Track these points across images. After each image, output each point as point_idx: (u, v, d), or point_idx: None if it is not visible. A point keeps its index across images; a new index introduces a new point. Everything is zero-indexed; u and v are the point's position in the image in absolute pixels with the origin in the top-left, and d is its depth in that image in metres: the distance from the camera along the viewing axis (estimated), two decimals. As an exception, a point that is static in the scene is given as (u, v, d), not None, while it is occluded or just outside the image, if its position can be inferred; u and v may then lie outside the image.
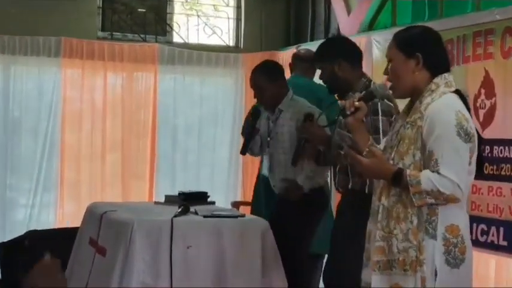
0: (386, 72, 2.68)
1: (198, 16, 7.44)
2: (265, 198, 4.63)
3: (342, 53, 3.62)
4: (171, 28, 7.30)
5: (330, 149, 3.63)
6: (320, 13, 7.07)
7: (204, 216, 4.02)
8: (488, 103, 4.47)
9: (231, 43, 7.53)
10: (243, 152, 4.33)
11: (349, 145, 2.71)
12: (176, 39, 7.31)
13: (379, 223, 2.61)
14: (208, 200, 4.69)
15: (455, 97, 2.59)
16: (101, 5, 7.05)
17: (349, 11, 6.33)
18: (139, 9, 7.20)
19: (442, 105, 2.54)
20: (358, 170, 2.63)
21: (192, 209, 4.11)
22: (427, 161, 2.51)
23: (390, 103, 3.38)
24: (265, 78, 4.18)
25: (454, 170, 2.46)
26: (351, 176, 3.44)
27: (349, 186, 3.46)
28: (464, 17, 4.82)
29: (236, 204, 5.91)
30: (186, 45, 7.23)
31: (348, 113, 2.70)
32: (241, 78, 7.27)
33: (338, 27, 6.58)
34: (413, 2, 5.66)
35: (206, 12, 7.57)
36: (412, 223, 2.52)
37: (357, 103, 2.71)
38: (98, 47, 6.77)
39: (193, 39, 7.38)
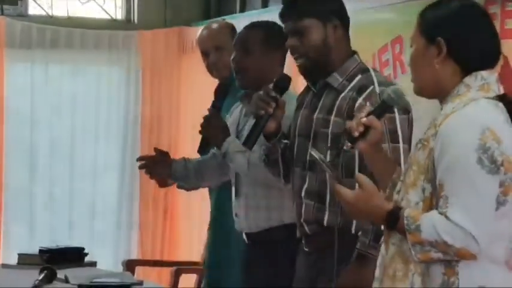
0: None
1: (67, -27, 7.42)
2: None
3: (340, 10, 3.52)
4: (25, -7, 7.27)
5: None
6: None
7: (79, 286, 4.06)
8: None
9: (120, 15, 7.55)
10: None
11: (332, 176, 2.82)
12: (33, 10, 7.29)
13: (376, 281, 2.70)
14: (86, 259, 4.72)
15: (488, 106, 2.62)
16: None
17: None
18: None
19: (462, 118, 2.58)
20: (344, 208, 2.74)
21: (60, 274, 4.14)
22: (438, 197, 2.57)
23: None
24: (262, 40, 4.08)
25: (468, 213, 2.50)
26: (328, 205, 3.43)
27: (324, 221, 3.45)
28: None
29: (130, 265, 5.90)
30: (49, 20, 7.22)
31: (356, 134, 2.78)
32: (135, 67, 7.29)
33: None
34: None
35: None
36: (413, 286, 2.57)
37: (364, 119, 2.78)
38: None
39: (60, 10, 7.36)
